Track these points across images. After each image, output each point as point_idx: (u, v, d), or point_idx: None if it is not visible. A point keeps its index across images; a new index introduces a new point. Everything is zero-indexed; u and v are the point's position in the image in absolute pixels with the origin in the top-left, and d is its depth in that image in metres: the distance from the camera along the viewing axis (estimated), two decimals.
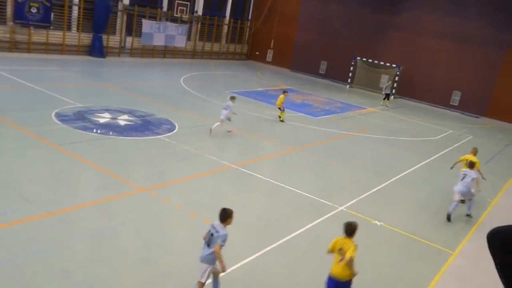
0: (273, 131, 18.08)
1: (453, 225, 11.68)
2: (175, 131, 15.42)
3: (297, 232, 9.64)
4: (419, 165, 16.29)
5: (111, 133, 14.09)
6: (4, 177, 9.95)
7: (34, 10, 24.07)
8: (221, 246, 6.53)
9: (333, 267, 6.89)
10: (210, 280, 6.97)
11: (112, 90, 20.23)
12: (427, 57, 31.32)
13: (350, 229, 6.98)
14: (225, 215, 6.83)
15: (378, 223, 10.69)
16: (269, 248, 8.81)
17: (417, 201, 12.88)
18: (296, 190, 11.94)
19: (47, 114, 14.75)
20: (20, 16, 23.71)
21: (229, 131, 16.35)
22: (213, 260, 6.63)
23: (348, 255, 6.68)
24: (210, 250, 6.59)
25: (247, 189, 11.79)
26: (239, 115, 19.48)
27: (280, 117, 19.60)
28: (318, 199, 11.61)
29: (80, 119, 14.90)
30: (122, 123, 15.30)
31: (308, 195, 11.79)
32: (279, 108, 19.48)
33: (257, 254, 8.52)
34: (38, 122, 13.89)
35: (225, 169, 12.73)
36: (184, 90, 22.77)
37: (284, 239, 9.24)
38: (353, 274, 6.83)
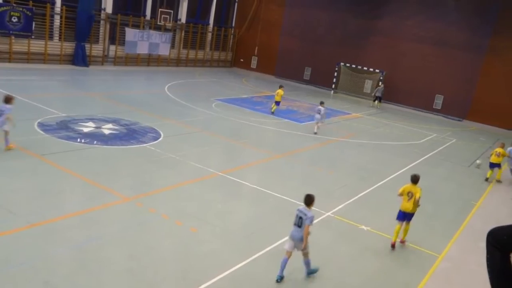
0: (258, 138, 18.08)
1: (439, 228, 11.77)
2: (160, 139, 15.33)
3: (285, 239, 9.59)
4: (404, 169, 16.41)
5: (95, 142, 13.94)
6: None
7: (15, 19, 23.81)
8: (310, 226, 7.88)
9: (403, 204, 10.04)
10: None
11: (96, 99, 20.05)
12: (409, 62, 31.72)
13: (415, 179, 10.00)
14: (310, 200, 8.14)
15: (365, 228, 10.73)
16: (256, 255, 8.77)
17: None
18: (282, 197, 11.93)
19: (29, 124, 14.55)
20: (0, 25, 23.41)
21: (315, 133, 19.65)
22: (302, 238, 7.87)
23: (417, 196, 9.77)
24: (301, 230, 7.90)
25: (234, 196, 11.74)
26: (224, 122, 19.47)
27: (272, 109, 22.62)
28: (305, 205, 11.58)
29: (64, 128, 14.72)
30: (106, 132, 15.16)
31: (294, 201, 11.77)
32: (277, 102, 22.42)
33: (244, 262, 8.46)
34: (20, 132, 13.65)
35: (211, 176, 12.68)
36: (169, 98, 22.67)
37: (272, 246, 9.20)
38: (416, 209, 9.99)
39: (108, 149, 13.61)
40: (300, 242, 7.89)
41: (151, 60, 32.66)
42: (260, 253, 8.87)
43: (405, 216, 10.03)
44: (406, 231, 10.20)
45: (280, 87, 22.78)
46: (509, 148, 16.80)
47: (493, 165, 16.64)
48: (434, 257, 10.00)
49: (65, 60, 27.08)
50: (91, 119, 16.21)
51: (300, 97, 29.95)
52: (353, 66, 33.59)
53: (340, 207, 11.86)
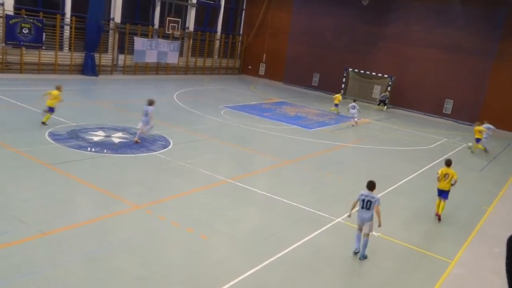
0: (267, 145, 18.09)
1: (451, 234, 11.67)
2: (169, 147, 15.39)
3: (295, 245, 9.59)
4: (414, 175, 16.32)
5: (105, 151, 14.03)
6: None
7: (25, 31, 24.12)
8: (379, 206, 9.33)
9: (441, 184, 12.14)
10: None
11: (106, 108, 20.21)
12: (418, 67, 31.62)
13: (449, 162, 12.32)
14: (373, 185, 9.60)
15: (376, 234, 10.65)
16: (267, 262, 8.74)
17: (413, 211, 12.86)
18: (292, 203, 11.90)
19: (40, 133, 14.69)
20: (11, 37, 23.73)
21: (353, 125, 23.86)
22: (371, 218, 9.35)
23: (455, 177, 12.09)
24: (371, 212, 9.35)
25: (243, 203, 11.74)
26: (233, 129, 19.51)
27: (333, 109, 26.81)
28: (314, 211, 11.57)
29: (74, 137, 14.84)
30: (116, 140, 15.26)
31: (304, 207, 11.76)
32: (336, 104, 26.58)
33: (255, 269, 8.44)
34: (31, 142, 13.83)
35: (220, 183, 12.69)
36: (178, 106, 22.79)
37: (282, 253, 9.17)
38: (450, 187, 12.15)
39: (118, 157, 13.69)
40: (369, 222, 9.38)
41: (160, 69, 32.88)
42: (271, 259, 8.85)
43: (442, 193, 12.19)
44: (442, 207, 12.18)
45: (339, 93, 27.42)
46: (485, 125, 21.79)
47: (477, 140, 21.55)
48: (446, 263, 9.90)
49: (75, 70, 27.34)
50: (101, 128, 16.33)
51: (308, 103, 29.94)
52: (362, 71, 33.55)
53: (349, 213, 11.77)
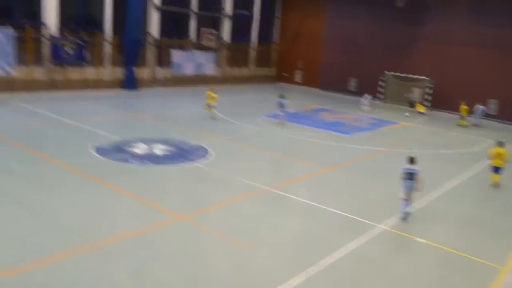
0: (306, 151, 18.01)
1: (500, 239, 11.23)
2: (209, 157, 15.58)
3: (338, 253, 9.47)
4: (458, 178, 15.85)
5: (147, 162, 14.35)
6: (47, 211, 10.24)
7: (69, 50, 25.07)
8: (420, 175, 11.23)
9: (495, 161, 14.70)
10: None
11: (147, 121, 20.69)
12: (459, 67, 30.73)
13: (501, 143, 14.85)
14: (414, 160, 11.61)
15: (422, 241, 10.40)
16: (310, 270, 8.67)
17: (461, 216, 12.48)
18: (333, 210, 11.79)
19: (85, 148, 15.19)
20: (57, 56, 24.72)
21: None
22: (414, 187, 11.26)
23: (507, 157, 14.67)
24: (412, 182, 11.23)
25: (284, 211, 11.72)
26: (271, 137, 19.54)
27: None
28: (357, 218, 11.42)
29: (117, 150, 15.26)
30: (157, 152, 15.58)
31: (346, 214, 11.62)
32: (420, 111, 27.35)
33: (299, 277, 8.39)
34: (77, 156, 14.32)
35: (260, 192, 12.73)
36: (217, 116, 23.04)
37: (326, 261, 9.08)
38: (505, 164, 14.70)
39: (160, 168, 13.97)
40: (412, 189, 11.30)
41: (197, 80, 33.38)
42: (314, 267, 8.77)
43: (497, 170, 14.75)
44: (497, 178, 14.82)
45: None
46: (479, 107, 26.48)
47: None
48: (496, 270, 9.52)
49: (116, 85, 28.15)
50: (143, 141, 16.71)
51: (347, 108, 29.64)
52: (399, 74, 32.95)
53: (394, 219, 11.57)
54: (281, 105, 22.04)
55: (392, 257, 9.64)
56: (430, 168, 16.99)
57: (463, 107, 27.08)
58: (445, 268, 9.46)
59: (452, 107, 30.96)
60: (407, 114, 26.62)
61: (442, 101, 31.12)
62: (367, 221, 11.26)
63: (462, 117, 27.02)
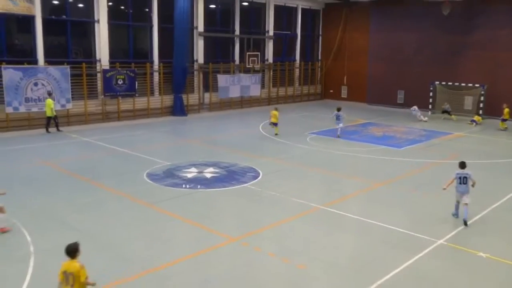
0: (357, 167, 17.75)
1: None
2: (259, 178, 15.67)
3: (396, 271, 9.22)
4: None
5: (199, 186, 14.63)
6: (103, 238, 10.62)
7: (120, 82, 26.17)
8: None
9: None
10: None
11: (196, 145, 21.14)
12: (510, 72, 29.53)
13: None
14: (465, 164, 12.07)
15: (483, 255, 9.95)
16: None
17: None
18: (388, 226, 11.52)
19: (139, 175, 15.69)
20: (109, 89, 25.86)
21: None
22: (468, 190, 11.75)
23: None
24: (467, 186, 11.73)
25: (338, 229, 11.57)
26: (320, 154, 19.42)
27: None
28: (413, 233, 11.09)
29: (169, 176, 15.66)
30: (208, 175, 15.85)
31: (402, 230, 11.32)
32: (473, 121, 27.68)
33: None
34: (131, 183, 14.80)
35: (312, 211, 12.65)
36: (264, 137, 23.22)
37: (383, 279, 8.85)
38: None
39: (211, 192, 14.19)
40: (466, 194, 11.70)
41: (243, 102, 33.85)
42: (372, 287, 8.57)
43: None
44: None
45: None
46: None
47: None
48: None
49: (166, 112, 29.02)
50: (193, 165, 17.07)
51: (396, 121, 29.04)
52: (449, 83, 32.00)
53: (453, 233, 11.15)
54: (338, 118, 22.94)
55: (453, 274, 9.26)
56: (486, 178, 16.32)
57: (506, 110, 26.82)
58: (511, 285, 8.99)
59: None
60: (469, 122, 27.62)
61: (495, 108, 29.87)
62: (423, 236, 10.91)
63: (503, 120, 26.78)
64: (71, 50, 25.65)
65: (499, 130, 26.31)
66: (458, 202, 12.01)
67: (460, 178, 11.80)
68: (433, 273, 9.26)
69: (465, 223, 11.57)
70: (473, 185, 11.82)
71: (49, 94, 22.94)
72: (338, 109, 23.26)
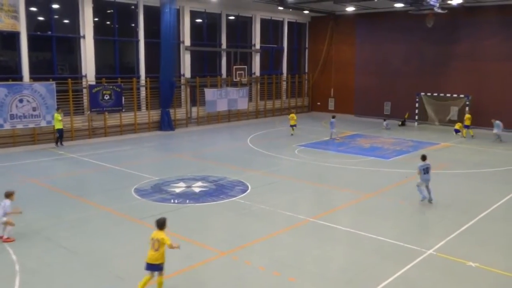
0: (345, 179, 17.79)
1: None
2: (248, 191, 15.63)
3: (387, 282, 9.20)
4: (508, 197, 15.24)
5: (187, 201, 14.52)
6: (94, 256, 10.45)
7: (107, 97, 26.04)
8: None
9: None
10: None
11: (184, 160, 21.04)
12: (496, 82, 30.06)
13: None
14: (425, 157, 14.50)
15: (473, 265, 9.99)
16: None
17: (511, 236, 11.95)
18: (378, 237, 11.52)
19: (127, 191, 15.54)
20: (95, 104, 25.71)
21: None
22: (430, 178, 14.30)
23: None
24: (429, 174, 14.21)
25: (328, 241, 11.54)
26: (309, 167, 19.45)
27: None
28: (402, 244, 11.10)
29: (157, 191, 15.54)
30: (197, 190, 15.77)
31: (391, 241, 11.33)
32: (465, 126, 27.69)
33: None
34: (120, 200, 14.65)
35: (302, 223, 12.61)
36: (252, 150, 23.21)
37: None
38: None
39: (200, 206, 14.10)
40: (429, 180, 14.25)
41: (231, 116, 33.88)
42: None
43: None
44: None
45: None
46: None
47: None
48: None
49: (153, 127, 28.90)
50: (182, 179, 16.97)
51: (383, 132, 29.27)
52: (435, 94, 32.43)
53: (441, 243, 11.19)
54: (331, 125, 25.93)
55: (444, 283, 9.27)
56: (474, 188, 16.48)
57: (468, 116, 28.06)
58: None
59: (491, 124, 30.06)
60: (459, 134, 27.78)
61: (481, 118, 30.30)
62: (413, 247, 10.93)
63: (466, 127, 27.61)
64: (57, 66, 25.51)
65: (463, 137, 27.23)
66: (426, 187, 14.20)
67: (424, 169, 14.13)
68: (423, 283, 9.27)
69: (430, 201, 14.15)
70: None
71: (57, 109, 23.46)
72: (333, 117, 26.75)
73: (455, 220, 12.96)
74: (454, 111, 31.66)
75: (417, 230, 12.25)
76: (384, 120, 31.52)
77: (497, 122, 26.40)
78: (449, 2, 27.65)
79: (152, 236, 8.64)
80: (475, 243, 11.33)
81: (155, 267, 8.51)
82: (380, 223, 12.69)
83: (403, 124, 32.62)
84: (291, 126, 27.92)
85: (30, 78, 23.68)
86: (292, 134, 27.44)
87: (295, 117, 28.06)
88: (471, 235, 11.89)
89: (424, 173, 14.14)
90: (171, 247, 8.47)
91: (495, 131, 26.31)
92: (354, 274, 9.65)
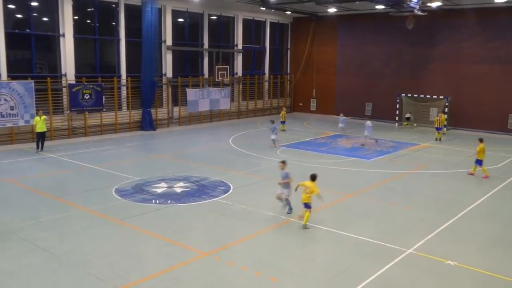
0: (327, 179, 17.85)
1: None
2: (230, 191, 15.59)
3: (368, 281, 9.28)
4: (486, 196, 15.52)
5: (169, 201, 14.42)
6: (73, 257, 10.30)
7: (87, 97, 25.70)
8: None
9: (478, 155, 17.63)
10: None
11: (166, 160, 20.90)
12: (474, 84, 30.61)
13: (482, 139, 17.90)
14: (285, 163, 13.99)
15: (452, 263, 10.14)
16: None
17: (490, 235, 12.16)
18: (359, 237, 11.61)
19: (107, 191, 15.36)
20: (75, 104, 25.35)
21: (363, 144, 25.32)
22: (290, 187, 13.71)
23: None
24: (287, 187, 13.56)
25: (309, 241, 11.59)
26: (291, 167, 19.47)
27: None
28: (383, 243, 11.21)
29: (139, 192, 15.39)
30: (178, 190, 15.66)
31: (372, 240, 11.43)
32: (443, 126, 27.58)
33: None
34: (100, 200, 14.47)
35: (284, 223, 12.64)
36: (234, 150, 23.17)
37: None
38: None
39: (182, 206, 14.02)
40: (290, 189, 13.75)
41: (213, 116, 33.79)
42: None
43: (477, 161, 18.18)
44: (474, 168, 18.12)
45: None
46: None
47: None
48: None
49: (134, 127, 28.64)
50: (163, 180, 16.85)
51: (364, 133, 29.46)
52: (415, 95, 32.86)
53: (421, 242, 11.33)
54: (272, 130, 24.09)
55: (423, 282, 9.38)
56: (452, 188, 16.73)
57: (443, 117, 27.74)
58: None
59: (470, 125, 30.65)
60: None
61: (460, 119, 30.87)
62: (393, 246, 11.05)
63: (437, 129, 27.32)
64: (35, 64, 25.09)
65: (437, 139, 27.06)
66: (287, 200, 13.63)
67: (283, 177, 13.68)
68: (404, 282, 9.37)
69: (290, 212, 13.43)
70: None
71: (37, 112, 22.49)
72: (272, 122, 24.96)
73: (434, 219, 13.14)
74: (434, 112, 32.10)
75: (397, 230, 12.38)
76: (341, 116, 29.39)
77: (368, 122, 25.88)
78: (428, 4, 28.04)
79: (305, 183, 12.31)
80: (454, 242, 11.50)
81: (307, 205, 12.17)
82: (361, 223, 12.79)
83: (408, 119, 33.27)
84: (281, 122, 29.52)
85: (8, 76, 23.23)
86: (283, 130, 29.02)
87: (285, 114, 30.12)
88: (450, 234, 12.07)
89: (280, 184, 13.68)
90: (318, 196, 12.08)
91: (366, 133, 25.49)
92: (335, 273, 9.70)
